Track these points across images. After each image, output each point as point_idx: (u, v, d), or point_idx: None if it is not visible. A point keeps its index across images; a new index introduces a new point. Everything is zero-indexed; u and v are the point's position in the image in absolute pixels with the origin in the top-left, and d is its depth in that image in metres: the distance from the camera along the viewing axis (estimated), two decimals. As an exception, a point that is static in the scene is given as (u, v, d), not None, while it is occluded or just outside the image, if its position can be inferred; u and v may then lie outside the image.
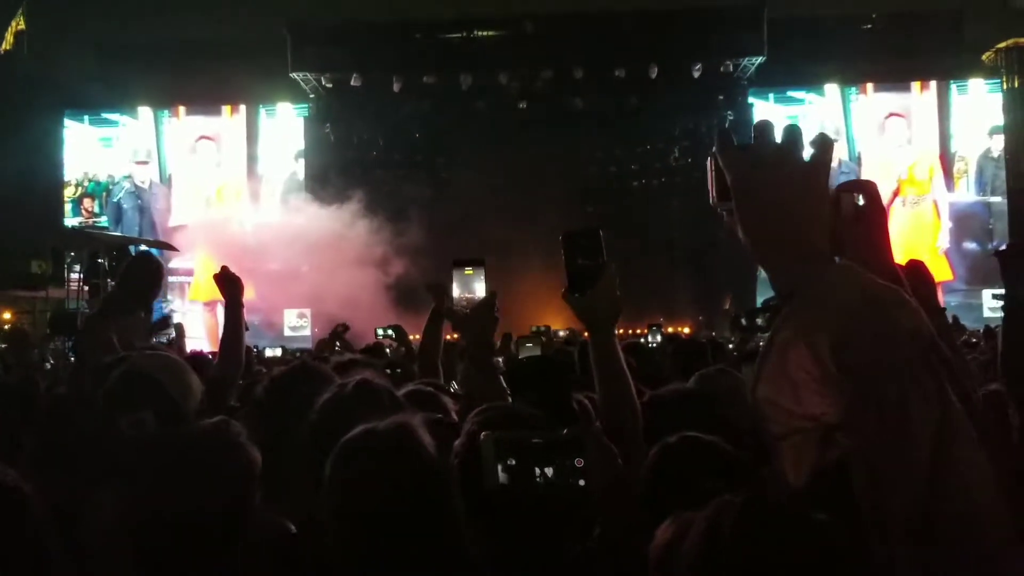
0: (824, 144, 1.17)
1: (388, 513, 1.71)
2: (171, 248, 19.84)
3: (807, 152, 1.16)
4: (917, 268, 2.48)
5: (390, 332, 7.00)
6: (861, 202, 1.39)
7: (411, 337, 6.33)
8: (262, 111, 22.94)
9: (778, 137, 1.17)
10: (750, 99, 21.72)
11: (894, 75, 21.72)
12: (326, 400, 2.24)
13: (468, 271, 2.65)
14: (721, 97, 21.46)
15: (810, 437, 1.05)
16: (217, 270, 3.54)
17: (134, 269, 3.87)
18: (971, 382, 1.87)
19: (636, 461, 2.06)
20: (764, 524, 1.09)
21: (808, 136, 1.19)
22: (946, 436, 0.97)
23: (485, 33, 21.59)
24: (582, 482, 1.58)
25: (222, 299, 3.52)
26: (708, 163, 1.23)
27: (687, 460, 1.99)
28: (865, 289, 1.05)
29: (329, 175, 21.62)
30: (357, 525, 1.73)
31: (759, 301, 19.41)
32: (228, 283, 3.45)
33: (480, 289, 2.61)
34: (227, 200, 22.63)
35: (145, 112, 22.82)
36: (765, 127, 1.20)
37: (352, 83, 21.58)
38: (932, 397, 0.98)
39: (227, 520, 1.79)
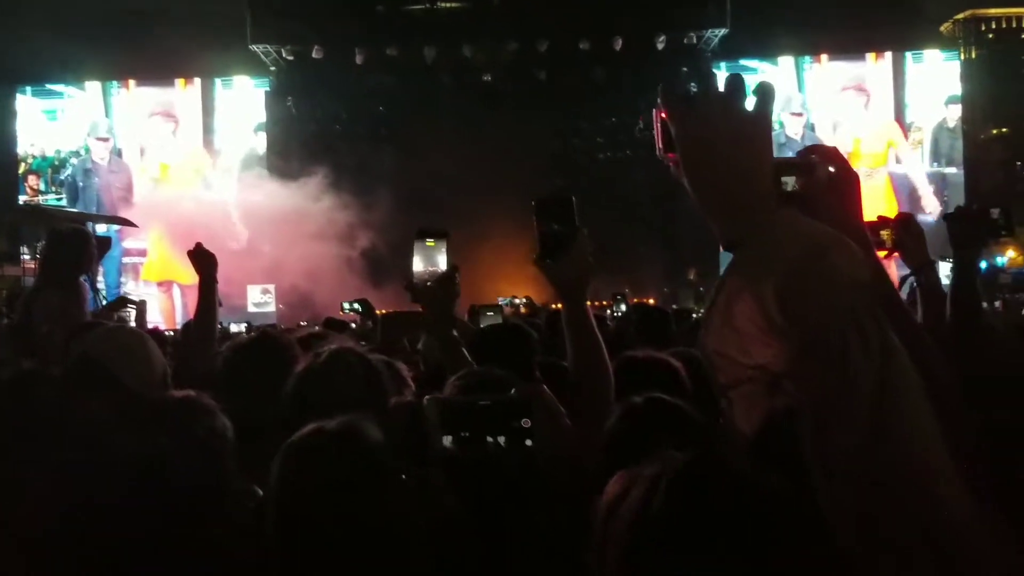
0: (766, 93, 1.17)
1: (331, 516, 1.60)
2: (130, 224, 19.50)
3: (750, 102, 1.15)
4: (907, 221, 2.55)
5: (356, 306, 6.96)
6: (832, 169, 1.42)
7: (378, 311, 6.31)
8: (218, 83, 22.48)
9: (721, 87, 1.16)
10: (715, 71, 21.76)
11: (853, 46, 21.87)
12: (301, 371, 2.22)
13: (430, 243, 2.63)
14: (685, 69, 21.49)
15: (759, 386, 1.05)
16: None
17: (55, 243, 3.85)
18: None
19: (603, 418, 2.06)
20: (702, 483, 1.08)
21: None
22: (889, 384, 0.97)
23: (449, 5, 21.36)
24: (529, 443, 1.58)
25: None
26: (653, 114, 1.23)
27: (649, 421, 1.97)
28: (809, 238, 1.05)
29: (291, 149, 21.37)
30: (299, 526, 1.62)
31: (723, 269, 19.65)
32: (202, 259, 3.44)
33: (442, 262, 2.60)
34: (183, 176, 22.18)
35: (93, 85, 22.17)
36: (708, 78, 1.21)
37: (313, 55, 21.28)
38: (874, 345, 0.99)
39: (203, 490, 1.78)
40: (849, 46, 22.10)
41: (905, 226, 2.53)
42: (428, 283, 2.58)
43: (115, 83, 22.30)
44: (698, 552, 1.04)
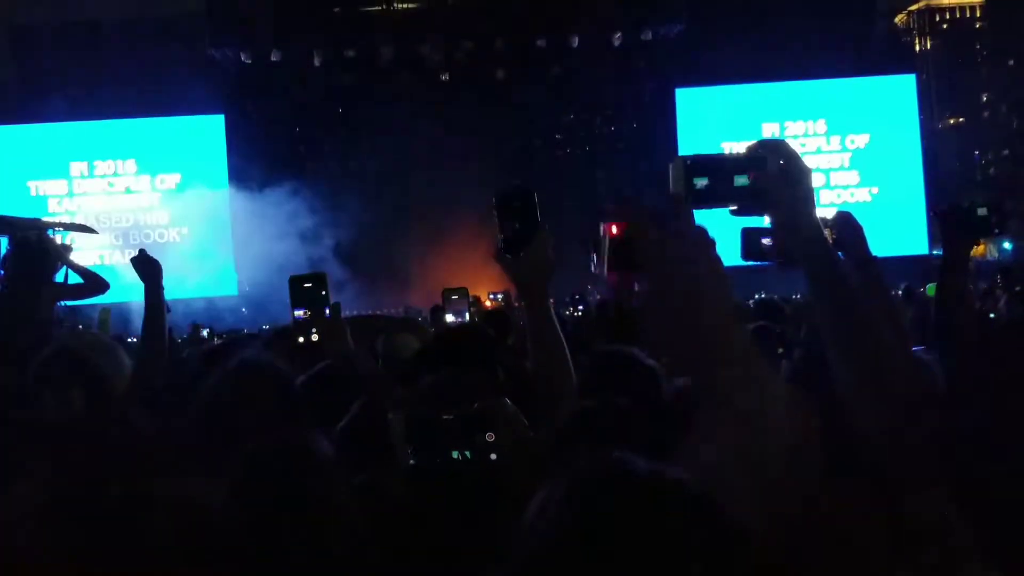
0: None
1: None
2: (90, 231, 19.24)
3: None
4: (846, 219, 2.60)
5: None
6: (782, 162, 1.43)
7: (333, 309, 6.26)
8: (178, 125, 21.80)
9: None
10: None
11: (810, 44, 22.02)
12: (208, 388, 2.13)
13: (307, 285, 2.69)
14: (642, 65, 21.65)
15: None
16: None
17: (19, 250, 3.84)
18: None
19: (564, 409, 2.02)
20: (605, 487, 1.04)
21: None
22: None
23: (405, 5, 21.34)
24: (493, 456, 1.57)
25: None
26: (601, 228, 1.21)
27: (590, 424, 1.92)
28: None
29: (252, 153, 21.24)
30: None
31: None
32: (146, 265, 3.44)
33: (324, 306, 2.66)
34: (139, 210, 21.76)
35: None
36: (680, 205, 1.24)
37: (272, 59, 21.17)
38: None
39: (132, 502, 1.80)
40: (804, 42, 22.25)
41: (844, 224, 2.58)
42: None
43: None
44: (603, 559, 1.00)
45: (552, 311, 2.20)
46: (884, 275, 2.72)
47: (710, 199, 1.42)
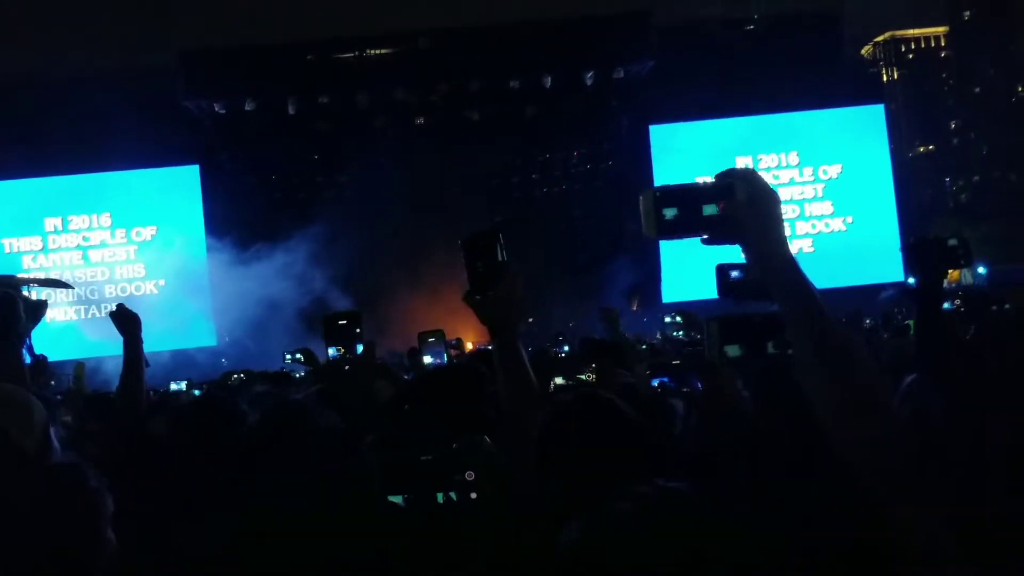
0: None
1: None
2: (65, 286, 19.05)
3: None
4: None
5: (299, 356, 6.92)
6: (751, 190, 1.44)
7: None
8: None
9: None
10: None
11: (780, 78, 22.39)
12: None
13: (342, 322, 2.67)
14: (615, 103, 21.88)
15: None
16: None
17: None
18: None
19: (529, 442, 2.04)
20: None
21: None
22: None
23: (378, 52, 21.53)
24: (473, 495, 1.59)
25: None
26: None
27: (579, 418, 1.98)
28: None
29: (228, 202, 21.19)
30: None
31: (664, 298, 19.90)
32: (126, 320, 3.52)
33: (358, 343, 2.64)
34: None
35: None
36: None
37: (246, 108, 21.22)
38: None
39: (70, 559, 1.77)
40: (770, 74, 22.60)
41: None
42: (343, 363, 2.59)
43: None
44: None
45: (520, 349, 2.20)
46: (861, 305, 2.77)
47: (680, 229, 1.46)
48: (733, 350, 1.77)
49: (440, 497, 1.58)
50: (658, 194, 1.45)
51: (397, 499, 1.61)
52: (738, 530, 1.12)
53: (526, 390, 2.21)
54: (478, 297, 2.13)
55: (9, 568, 1.71)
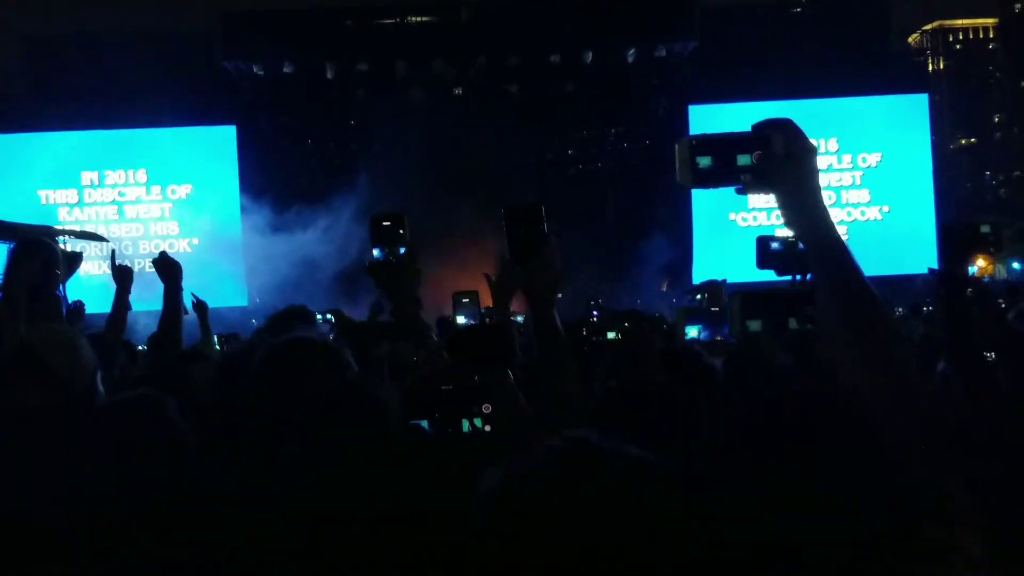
0: None
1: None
2: (101, 239, 19.27)
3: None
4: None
5: (329, 316, 7.02)
6: (787, 141, 1.43)
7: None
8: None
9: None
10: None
11: (823, 63, 22.05)
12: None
13: (386, 224, 2.67)
14: (656, 82, 21.68)
15: None
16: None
17: (17, 255, 3.81)
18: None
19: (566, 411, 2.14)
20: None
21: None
22: None
23: (419, 19, 21.45)
24: (488, 428, 1.63)
25: None
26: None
27: (626, 404, 2.08)
28: None
29: (263, 165, 21.32)
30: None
31: (694, 279, 19.80)
32: (168, 267, 3.65)
33: (402, 246, 2.65)
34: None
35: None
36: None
37: (284, 71, 21.28)
38: None
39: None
40: (816, 62, 22.27)
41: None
42: (388, 263, 2.63)
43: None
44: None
45: (557, 318, 2.29)
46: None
47: (714, 178, 1.46)
48: (754, 325, 1.79)
49: (466, 425, 1.62)
50: (693, 143, 1.46)
51: (422, 423, 1.65)
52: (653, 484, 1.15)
53: (559, 356, 2.28)
54: (519, 266, 2.21)
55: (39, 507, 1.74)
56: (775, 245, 2.64)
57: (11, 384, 2.42)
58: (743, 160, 1.44)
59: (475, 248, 16.28)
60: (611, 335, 6.91)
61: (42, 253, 3.98)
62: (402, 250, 2.66)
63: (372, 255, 2.69)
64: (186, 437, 1.95)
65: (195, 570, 1.72)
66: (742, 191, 1.48)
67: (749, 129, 1.46)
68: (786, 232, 1.98)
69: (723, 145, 1.46)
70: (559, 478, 1.16)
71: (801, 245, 1.50)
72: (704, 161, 1.45)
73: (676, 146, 1.48)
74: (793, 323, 1.70)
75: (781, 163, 1.42)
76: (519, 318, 4.58)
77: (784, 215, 1.46)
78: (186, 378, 3.39)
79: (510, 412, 1.83)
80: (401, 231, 2.70)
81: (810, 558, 1.13)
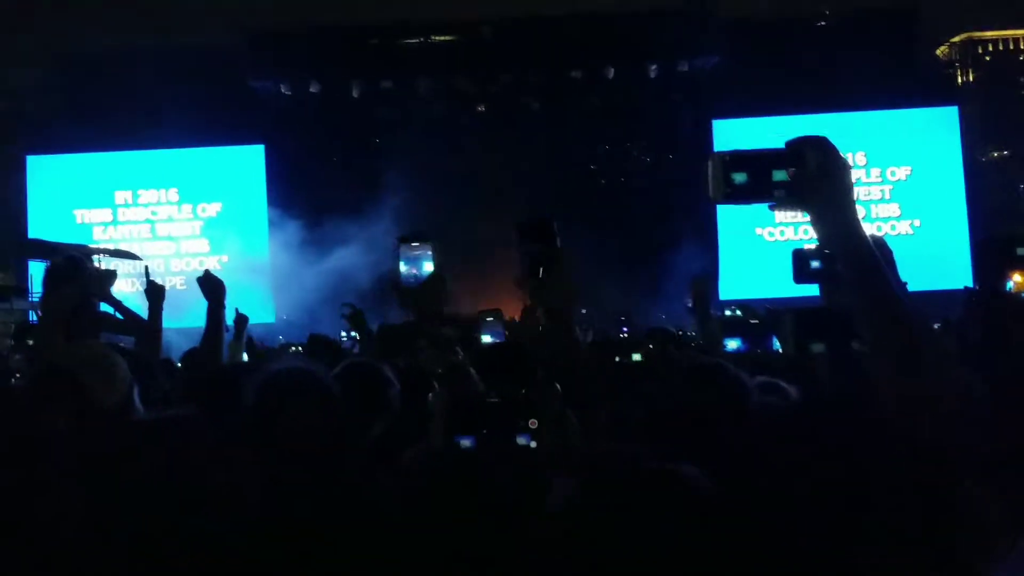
0: None
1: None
2: (134, 257, 19.57)
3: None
4: (879, 243, 2.57)
5: (353, 334, 6.96)
6: (822, 158, 1.43)
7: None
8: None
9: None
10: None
11: (850, 76, 21.86)
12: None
13: (415, 245, 2.68)
14: (679, 97, 21.62)
15: None
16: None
17: (51, 276, 3.90)
18: None
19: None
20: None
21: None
22: None
23: (442, 38, 21.61)
24: (533, 444, 1.62)
25: None
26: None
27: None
28: None
29: (290, 183, 21.54)
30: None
31: (721, 295, 19.64)
32: (211, 285, 3.81)
33: (428, 266, 2.65)
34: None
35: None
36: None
37: (311, 90, 21.53)
38: None
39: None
40: (842, 75, 22.07)
41: (877, 247, 2.59)
42: (414, 285, 2.63)
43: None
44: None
45: (575, 330, 2.30)
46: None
47: (748, 195, 1.46)
48: (818, 347, 1.76)
49: (513, 441, 1.62)
50: (727, 158, 1.46)
51: (467, 441, 1.64)
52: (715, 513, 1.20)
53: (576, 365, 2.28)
54: (533, 281, 2.19)
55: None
56: (815, 263, 2.61)
57: (43, 400, 2.47)
58: (779, 176, 1.44)
59: (498, 264, 16.27)
60: (636, 357, 6.84)
61: (78, 273, 4.07)
62: (427, 270, 2.67)
63: (398, 272, 2.70)
64: (223, 452, 1.99)
65: None
66: (775, 207, 1.48)
67: (780, 144, 1.46)
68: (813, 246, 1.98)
69: (758, 161, 1.46)
70: (642, 499, 1.20)
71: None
72: (739, 177, 1.45)
73: (709, 162, 1.48)
74: (857, 345, 1.68)
75: (816, 180, 1.42)
76: None
77: (818, 232, 1.46)
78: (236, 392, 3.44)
79: (557, 427, 1.82)
80: (430, 252, 2.71)
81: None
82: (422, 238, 2.68)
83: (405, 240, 2.68)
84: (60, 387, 2.50)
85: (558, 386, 2.03)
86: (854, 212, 1.44)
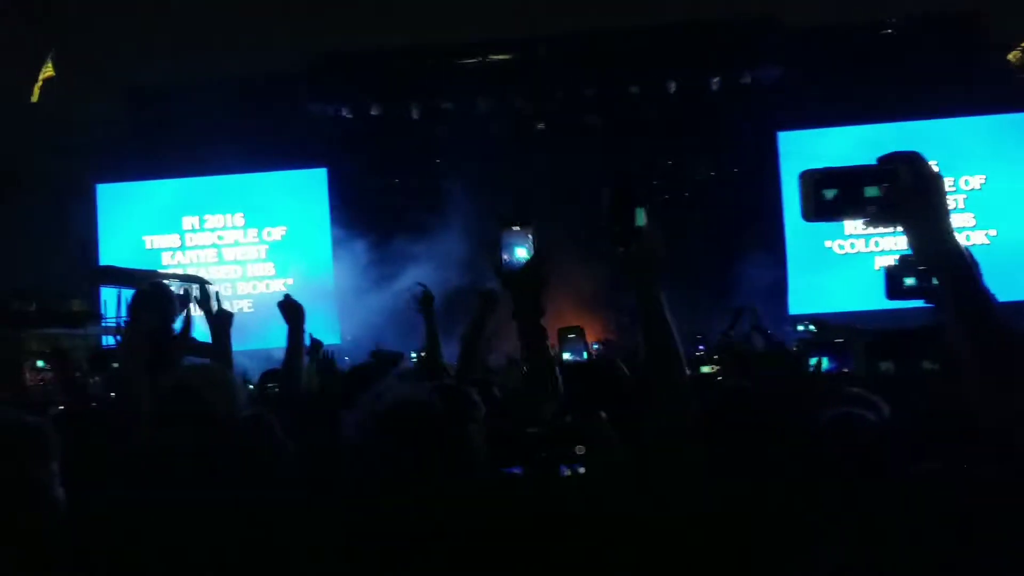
0: None
1: None
2: (204, 282, 19.91)
3: None
4: (969, 255, 2.50)
5: (421, 354, 7.06)
6: (915, 174, 1.44)
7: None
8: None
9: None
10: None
11: (918, 83, 21.34)
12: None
13: (515, 229, 2.62)
14: (741, 109, 21.37)
15: None
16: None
17: (140, 302, 3.93)
18: None
19: (677, 410, 2.11)
20: None
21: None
22: None
23: (500, 57, 21.74)
24: (582, 470, 1.61)
25: None
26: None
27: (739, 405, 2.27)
28: None
29: (353, 205, 21.80)
30: None
31: (790, 309, 19.21)
32: (291, 309, 4.06)
33: (522, 252, 2.60)
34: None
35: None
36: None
37: (372, 112, 21.82)
38: None
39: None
40: (910, 81, 21.56)
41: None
42: (515, 269, 2.59)
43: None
44: None
45: (662, 299, 2.22)
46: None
47: (841, 211, 1.48)
48: (886, 365, 1.88)
49: (562, 469, 1.61)
50: (818, 175, 1.47)
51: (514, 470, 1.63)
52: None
53: (665, 337, 2.19)
54: (621, 248, 2.19)
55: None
56: (910, 279, 2.57)
57: (172, 420, 2.67)
58: (871, 192, 1.45)
59: (569, 280, 16.19)
60: (705, 369, 6.79)
61: (160, 300, 4.11)
62: (522, 256, 2.60)
63: (499, 256, 2.64)
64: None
65: None
66: (869, 223, 1.48)
67: (851, 153, 1.42)
68: (888, 259, 1.97)
69: (850, 177, 1.46)
70: None
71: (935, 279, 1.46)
72: (830, 193, 1.46)
73: (799, 179, 1.48)
74: (927, 364, 1.77)
75: (910, 195, 1.42)
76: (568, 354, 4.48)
77: (914, 246, 1.44)
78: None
79: (604, 452, 1.77)
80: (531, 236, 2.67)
81: None
82: (523, 220, 2.63)
83: (506, 223, 2.62)
84: (188, 405, 2.73)
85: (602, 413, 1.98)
86: (949, 225, 1.44)
